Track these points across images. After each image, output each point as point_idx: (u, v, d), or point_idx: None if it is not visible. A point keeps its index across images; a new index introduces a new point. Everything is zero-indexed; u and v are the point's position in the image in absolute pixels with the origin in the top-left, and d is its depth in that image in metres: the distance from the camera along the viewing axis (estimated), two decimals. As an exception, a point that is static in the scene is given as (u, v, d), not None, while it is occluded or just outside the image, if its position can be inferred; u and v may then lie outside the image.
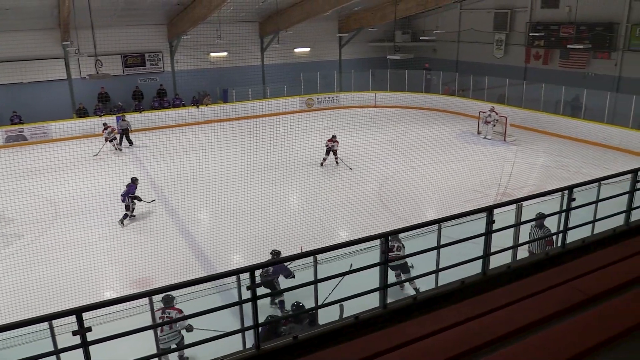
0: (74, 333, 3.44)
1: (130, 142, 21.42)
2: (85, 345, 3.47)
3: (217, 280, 7.87)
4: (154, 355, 4.04)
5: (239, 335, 4.77)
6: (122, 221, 12.75)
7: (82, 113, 23.32)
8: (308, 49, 27.97)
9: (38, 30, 22.11)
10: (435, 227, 5.43)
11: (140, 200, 13.12)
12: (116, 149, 20.41)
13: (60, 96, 23.54)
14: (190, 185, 14.41)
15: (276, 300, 8.70)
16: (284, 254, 8.71)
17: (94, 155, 19.30)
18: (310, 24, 24.91)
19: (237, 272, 4.36)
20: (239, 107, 23.74)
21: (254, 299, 4.18)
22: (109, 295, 9.61)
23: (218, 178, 13.48)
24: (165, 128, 22.61)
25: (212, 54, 25.46)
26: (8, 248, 11.75)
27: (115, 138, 20.46)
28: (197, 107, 24.65)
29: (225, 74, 25.83)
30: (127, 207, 12.92)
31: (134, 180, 13.50)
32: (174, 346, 7.00)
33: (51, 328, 5.00)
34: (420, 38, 26.82)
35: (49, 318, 3.64)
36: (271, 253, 8.93)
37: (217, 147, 16.03)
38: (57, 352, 3.70)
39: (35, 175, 15.32)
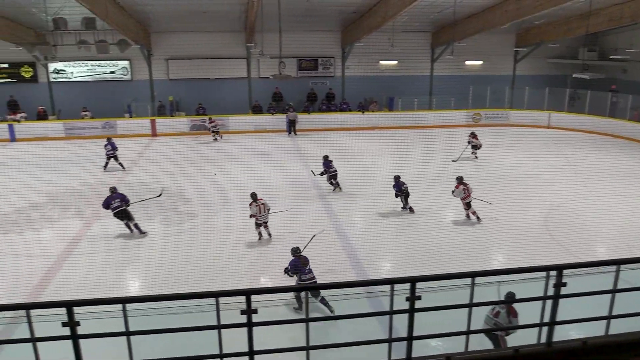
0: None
1: (295, 133, 23.67)
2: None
3: (369, 286, 7.93)
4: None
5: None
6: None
7: (257, 110, 25.10)
8: (480, 62, 27.00)
9: (226, 33, 24.36)
10: (612, 267, 4.77)
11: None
12: (215, 140, 22.77)
13: (239, 93, 25.62)
14: (347, 186, 14.69)
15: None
16: (437, 270, 8.42)
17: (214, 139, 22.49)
18: (485, 36, 24.03)
19: (392, 282, 4.27)
20: (404, 116, 23.73)
21: (412, 310, 4.06)
22: (265, 282, 10.12)
23: (377, 184, 13.57)
24: (330, 130, 23.40)
25: (382, 62, 25.79)
26: (184, 224, 13.00)
27: (217, 131, 22.78)
28: (363, 112, 25.12)
29: (392, 82, 25.99)
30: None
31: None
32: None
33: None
34: (611, 57, 24.35)
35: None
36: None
37: (379, 153, 16.16)
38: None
39: (211, 162, 16.77)
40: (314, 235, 10.44)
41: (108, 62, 24.76)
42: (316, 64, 26.19)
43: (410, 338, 4.08)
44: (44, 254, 11.16)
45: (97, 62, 24.74)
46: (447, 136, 16.63)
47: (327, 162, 15.35)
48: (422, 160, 13.33)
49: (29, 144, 21.38)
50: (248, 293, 3.72)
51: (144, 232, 12.18)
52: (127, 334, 4.12)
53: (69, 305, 3.67)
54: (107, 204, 12.21)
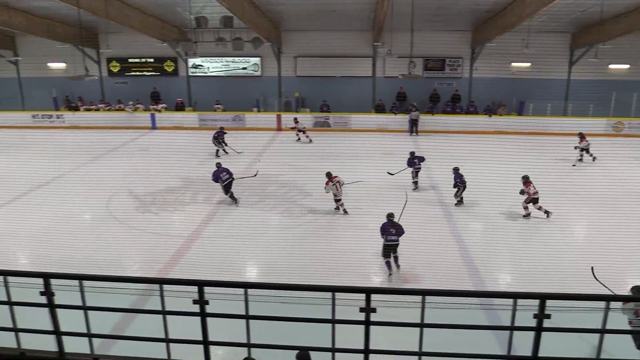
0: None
1: (417, 133, 23.45)
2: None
3: (491, 297, 7.55)
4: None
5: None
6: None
7: (379, 109, 25.06)
8: (627, 66, 24.61)
9: (354, 31, 24.56)
10: None
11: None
12: (298, 139, 22.37)
13: (363, 92, 25.74)
14: (468, 192, 14.12)
15: None
16: (565, 289, 7.81)
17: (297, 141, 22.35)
18: (634, 38, 21.87)
19: (517, 296, 4.00)
20: (534, 122, 22.37)
21: (539, 329, 3.78)
22: (380, 281, 10.05)
23: (500, 191, 12.91)
24: (453, 133, 22.72)
25: (514, 64, 24.48)
26: (303, 217, 13.32)
27: (304, 130, 22.31)
28: (490, 116, 24.07)
29: (524, 85, 24.59)
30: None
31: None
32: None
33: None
34: None
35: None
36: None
37: (504, 159, 15.35)
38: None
39: (331, 158, 17.00)
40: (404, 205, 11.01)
41: (241, 58, 26.14)
42: (443, 65, 25.53)
43: (535, 358, 3.80)
44: (175, 234, 12.04)
45: (231, 59, 26.22)
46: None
47: (457, 174, 14.54)
48: (552, 170, 12.49)
49: (167, 132, 23.23)
50: (368, 292, 3.69)
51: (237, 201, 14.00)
52: (247, 317, 4.27)
53: (200, 284, 3.87)
54: (217, 177, 13.94)
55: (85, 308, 4.25)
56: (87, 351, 4.38)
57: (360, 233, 11.85)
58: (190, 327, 4.22)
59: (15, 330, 4.43)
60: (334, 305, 5.04)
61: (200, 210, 13.73)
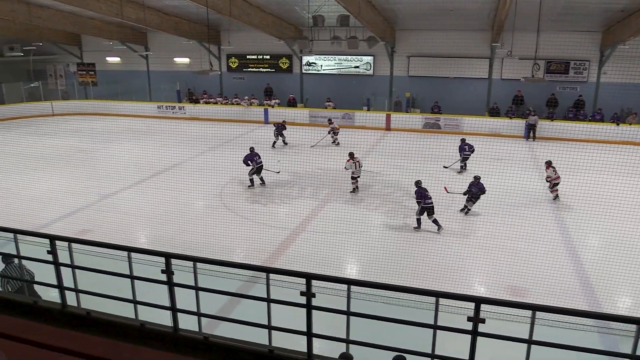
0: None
1: (534, 139, 22.54)
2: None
3: (602, 319, 6.96)
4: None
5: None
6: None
7: (494, 112, 24.05)
8: None
9: (471, 31, 23.72)
10: None
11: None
12: (334, 142, 21.17)
13: (477, 94, 24.82)
14: (588, 206, 13.13)
15: None
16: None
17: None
18: None
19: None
20: (671, 133, 20.30)
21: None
22: (482, 290, 9.67)
23: (623, 205, 11.88)
24: (576, 141, 21.23)
25: (651, 68, 22.34)
26: (407, 219, 13.13)
27: (336, 133, 21.17)
28: (618, 124, 22.19)
29: (661, 92, 22.37)
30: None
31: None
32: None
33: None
34: None
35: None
36: None
37: (631, 172, 14.11)
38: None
39: (440, 161, 16.59)
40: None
41: (354, 57, 26.28)
42: (567, 68, 23.90)
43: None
44: (281, 226, 12.39)
45: (344, 57, 26.45)
46: None
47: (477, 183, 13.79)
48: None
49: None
50: (478, 301, 3.53)
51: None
52: (348, 313, 4.26)
53: (308, 277, 3.92)
54: (250, 159, 15.21)
55: (197, 288, 4.47)
56: (195, 329, 4.61)
57: (466, 240, 11.48)
58: (298, 318, 4.29)
59: (135, 302, 4.78)
60: (437, 310, 4.91)
61: (306, 205, 14.01)
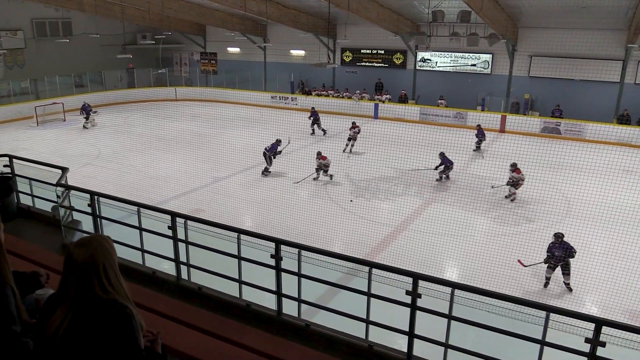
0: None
1: None
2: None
3: None
4: None
5: None
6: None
7: (624, 120, 22.13)
8: None
9: (604, 30, 21.89)
10: None
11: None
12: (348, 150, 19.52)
13: (605, 98, 22.92)
14: None
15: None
16: None
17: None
18: None
19: None
20: None
21: None
22: (595, 310, 8.95)
23: None
24: None
25: None
26: (517, 227, 12.51)
27: (355, 138, 19.46)
28: None
29: None
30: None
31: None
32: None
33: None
34: None
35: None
36: None
37: None
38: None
39: (558, 168, 15.57)
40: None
41: (471, 54, 25.35)
42: None
43: None
44: (384, 222, 12.31)
45: (461, 54, 25.60)
46: None
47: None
48: None
49: (388, 123, 23.77)
50: (599, 322, 3.27)
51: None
52: (450, 317, 4.14)
53: (415, 276, 3.85)
54: (275, 148, 16.10)
55: (301, 275, 4.55)
56: (294, 314, 4.69)
57: (582, 256, 10.67)
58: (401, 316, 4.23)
59: (241, 282, 4.97)
60: (546, 325, 4.62)
61: (411, 203, 13.81)
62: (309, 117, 22.89)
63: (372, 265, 4.48)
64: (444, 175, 15.67)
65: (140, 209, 5.86)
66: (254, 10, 23.00)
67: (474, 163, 18.06)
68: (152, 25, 28.30)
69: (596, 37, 22.12)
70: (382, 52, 28.10)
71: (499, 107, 24.65)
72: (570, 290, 9.56)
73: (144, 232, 5.77)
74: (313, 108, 23.23)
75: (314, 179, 15.59)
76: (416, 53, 26.75)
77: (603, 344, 3.31)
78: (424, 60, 26.94)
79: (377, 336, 4.52)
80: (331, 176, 15.55)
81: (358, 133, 19.48)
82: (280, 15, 25.06)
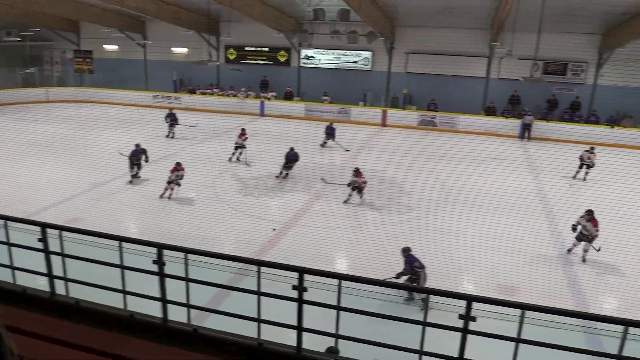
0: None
1: (529, 139, 22.72)
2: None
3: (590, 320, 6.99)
4: None
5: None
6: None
7: (490, 111, 24.07)
8: None
9: (471, 30, 23.70)
10: None
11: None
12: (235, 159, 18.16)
13: (474, 93, 24.80)
14: (580, 208, 13.18)
15: None
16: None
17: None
18: None
19: (628, 323, 3.61)
20: (665, 137, 20.37)
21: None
22: (471, 288, 9.69)
23: (615, 211, 11.89)
24: (571, 143, 21.30)
25: (647, 73, 22.39)
26: (400, 216, 13.15)
27: (243, 146, 17.95)
28: (612, 127, 22.26)
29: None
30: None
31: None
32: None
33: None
34: None
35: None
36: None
37: (627, 177, 14.16)
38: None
39: (435, 159, 16.59)
40: None
41: (352, 52, 26.19)
42: (565, 69, 23.92)
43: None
44: (273, 220, 12.36)
45: (343, 52, 26.35)
46: None
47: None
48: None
49: (274, 120, 23.90)
50: (470, 299, 3.53)
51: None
52: (338, 308, 4.25)
53: (301, 271, 3.90)
54: (137, 154, 15.19)
55: (188, 280, 4.44)
56: (184, 320, 4.58)
57: (458, 239, 11.49)
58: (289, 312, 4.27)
59: (125, 292, 4.75)
60: (426, 308, 4.91)
61: (298, 199, 13.99)
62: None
63: (260, 263, 4.48)
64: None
65: (8, 222, 5.39)
66: (131, 6, 21.94)
67: (359, 157, 18.68)
68: (18, 21, 26.00)
69: (464, 36, 23.90)
70: (267, 49, 28.14)
71: (380, 102, 25.74)
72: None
73: (12, 248, 5.32)
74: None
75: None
76: (300, 51, 27.10)
77: (474, 319, 3.58)
78: (307, 57, 27.36)
79: (270, 334, 4.54)
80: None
81: (246, 140, 17.98)
82: (159, 11, 24.13)
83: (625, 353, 3.63)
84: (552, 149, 20.55)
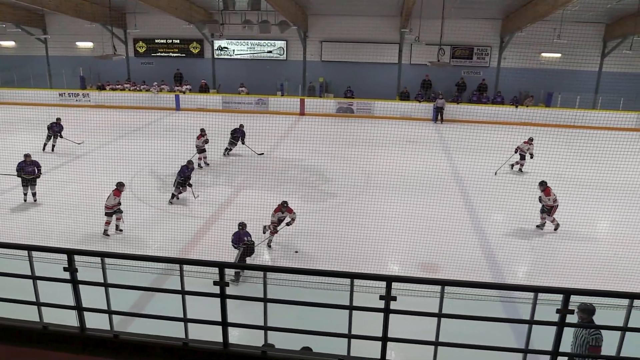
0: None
1: (442, 121, 23.58)
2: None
3: (505, 289, 7.44)
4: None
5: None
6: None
7: (404, 96, 24.81)
8: (663, 59, 23.85)
9: (381, 17, 24.27)
10: None
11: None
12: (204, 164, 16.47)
13: (388, 78, 25.46)
14: (491, 183, 13.94)
15: None
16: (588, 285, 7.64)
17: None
18: (672, 30, 21.12)
19: (539, 290, 3.89)
20: (562, 114, 21.87)
21: (562, 324, 3.67)
22: (396, 268, 10.00)
23: (523, 183, 12.70)
24: (480, 123, 22.41)
25: (544, 54, 23.93)
26: (323, 203, 13.29)
27: (203, 149, 16.25)
28: (516, 107, 23.64)
29: (553, 76, 23.97)
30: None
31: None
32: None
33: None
34: None
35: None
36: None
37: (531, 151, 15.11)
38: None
39: (355, 145, 16.90)
40: None
41: (267, 42, 26.04)
42: (471, 53, 25.09)
43: (556, 353, 3.72)
44: (196, 215, 12.12)
45: (257, 42, 26.14)
46: (609, 139, 14.96)
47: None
48: (577, 163, 12.25)
49: (191, 114, 23.29)
50: (389, 279, 3.63)
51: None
52: (265, 300, 4.24)
53: (221, 266, 3.86)
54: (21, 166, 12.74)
55: (106, 285, 4.27)
56: (108, 327, 4.41)
57: (380, 222, 11.79)
58: (206, 308, 4.22)
59: (38, 304, 4.49)
60: (352, 291, 5.00)
61: (222, 192, 13.79)
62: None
63: (181, 262, 4.39)
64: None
65: None
66: (26, -1, 20.51)
67: (279, 146, 18.66)
68: None
69: (376, 23, 24.41)
70: (178, 41, 27.33)
71: (297, 92, 25.79)
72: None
73: None
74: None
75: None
76: (213, 42, 26.55)
77: (394, 298, 3.69)
78: (221, 48, 26.87)
79: (199, 332, 4.46)
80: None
81: (207, 143, 16.05)
82: (59, 3, 22.69)
83: (536, 317, 3.91)
84: (463, 130, 21.57)
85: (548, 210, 11.72)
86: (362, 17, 24.14)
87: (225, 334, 3.97)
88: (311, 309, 4.17)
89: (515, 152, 15.77)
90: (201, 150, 16.01)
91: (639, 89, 23.01)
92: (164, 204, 12.98)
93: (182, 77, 26.91)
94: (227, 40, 25.98)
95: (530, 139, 15.94)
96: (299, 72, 26.26)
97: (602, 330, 5.51)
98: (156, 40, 27.49)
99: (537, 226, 11.92)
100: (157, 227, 11.53)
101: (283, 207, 10.51)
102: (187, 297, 4.34)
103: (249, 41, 26.20)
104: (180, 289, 4.29)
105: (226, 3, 19.25)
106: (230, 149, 17.27)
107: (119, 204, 11.10)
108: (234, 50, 26.75)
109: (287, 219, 10.65)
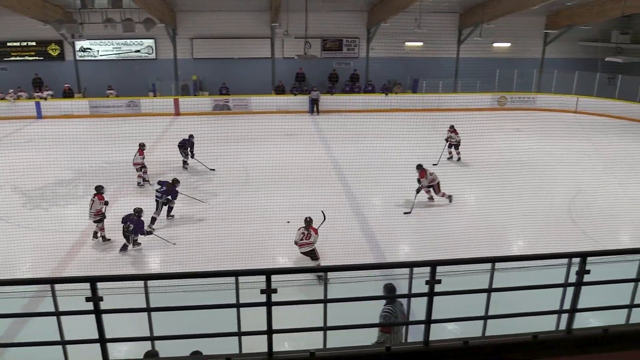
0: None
1: (318, 112, 24.03)
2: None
3: (387, 268, 7.90)
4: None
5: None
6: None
7: (280, 90, 25.07)
8: (508, 45, 26.41)
9: (251, 12, 24.29)
10: (636, 256, 4.68)
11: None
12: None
13: (263, 73, 25.57)
14: (367, 169, 14.60)
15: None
16: (457, 255, 8.36)
17: None
18: (514, 18, 23.42)
19: (412, 265, 4.27)
20: (427, 99, 23.42)
21: (432, 294, 4.04)
22: (284, 262, 10.19)
23: (397, 166, 13.48)
24: (354, 112, 23.31)
25: (408, 43, 25.40)
26: (203, 204, 13.11)
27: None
28: (386, 94, 24.89)
29: (417, 64, 25.57)
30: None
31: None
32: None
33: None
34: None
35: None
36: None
37: (401, 136, 16.03)
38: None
39: (233, 142, 16.81)
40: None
41: (133, 40, 24.90)
42: (341, 45, 25.95)
43: (428, 322, 4.08)
44: (69, 230, 11.41)
45: (123, 41, 24.91)
46: (471, 120, 16.34)
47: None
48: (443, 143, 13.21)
49: (55, 121, 21.71)
50: (268, 273, 3.77)
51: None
52: (148, 310, 4.19)
53: (93, 280, 3.74)
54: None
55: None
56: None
57: (263, 217, 11.90)
58: (88, 328, 4.08)
59: None
60: (237, 289, 5.08)
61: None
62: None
63: (52, 281, 4.18)
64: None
65: None
66: None
67: (155, 149, 18.05)
68: None
69: (246, 18, 24.38)
70: (34, 43, 25.19)
71: (170, 91, 25.01)
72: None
73: None
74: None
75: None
76: (73, 43, 24.85)
77: (275, 291, 3.83)
78: (83, 49, 25.24)
79: (79, 352, 4.29)
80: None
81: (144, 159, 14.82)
82: None
83: (414, 291, 4.26)
84: (339, 120, 22.34)
85: (428, 188, 12.85)
86: (233, 12, 23.95)
87: (104, 352, 3.87)
88: (196, 312, 4.20)
89: (447, 142, 16.49)
90: (142, 167, 14.63)
91: (491, 71, 25.29)
92: (32, 220, 12.02)
93: (42, 82, 24.89)
94: (90, 41, 24.44)
95: (452, 127, 16.49)
96: (171, 71, 25.46)
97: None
98: (8, 44, 25.13)
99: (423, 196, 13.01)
100: (25, 246, 10.66)
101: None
102: (65, 317, 4.16)
103: (114, 41, 24.87)
104: (54, 310, 4.11)
105: (84, 1, 18.13)
106: (186, 161, 16.17)
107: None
108: (98, 51, 25.26)
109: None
